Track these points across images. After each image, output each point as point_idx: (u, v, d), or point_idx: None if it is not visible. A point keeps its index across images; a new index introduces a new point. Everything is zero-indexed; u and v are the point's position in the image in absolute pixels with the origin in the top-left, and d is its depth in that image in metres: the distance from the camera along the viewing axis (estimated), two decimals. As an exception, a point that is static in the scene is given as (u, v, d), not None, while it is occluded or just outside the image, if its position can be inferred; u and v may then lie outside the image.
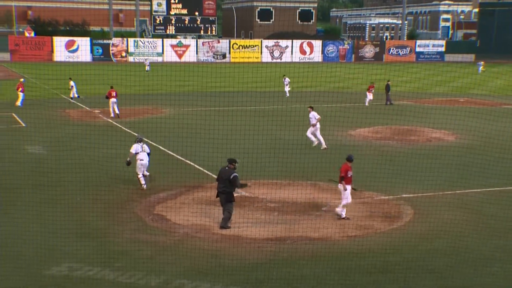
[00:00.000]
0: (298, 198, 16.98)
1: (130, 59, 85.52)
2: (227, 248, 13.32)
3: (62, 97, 41.21)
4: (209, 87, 41.45)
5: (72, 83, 39.81)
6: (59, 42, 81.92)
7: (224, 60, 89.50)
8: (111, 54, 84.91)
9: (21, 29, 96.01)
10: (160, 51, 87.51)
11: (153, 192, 17.65)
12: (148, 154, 18.48)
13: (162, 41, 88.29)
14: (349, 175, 15.14)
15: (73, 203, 16.39)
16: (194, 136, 24.20)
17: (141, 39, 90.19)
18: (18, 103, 36.12)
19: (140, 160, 18.24)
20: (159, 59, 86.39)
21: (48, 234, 13.88)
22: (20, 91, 36.27)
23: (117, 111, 32.97)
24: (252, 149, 22.34)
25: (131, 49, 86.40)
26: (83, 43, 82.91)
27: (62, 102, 38.33)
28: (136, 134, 21.94)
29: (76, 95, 39.86)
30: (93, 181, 18.68)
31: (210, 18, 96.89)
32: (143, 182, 18.20)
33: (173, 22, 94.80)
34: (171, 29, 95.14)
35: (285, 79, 44.60)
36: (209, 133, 25.56)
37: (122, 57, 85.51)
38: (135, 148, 18.39)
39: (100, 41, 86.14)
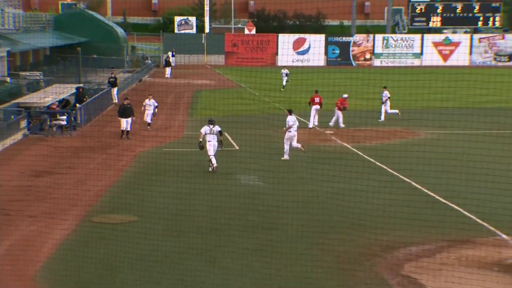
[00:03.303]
0: None
1: (376, 62, 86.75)
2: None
3: (285, 112, 43.17)
4: (483, 102, 40.12)
5: (151, 101, 37.01)
6: (285, 40, 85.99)
7: (510, 63, 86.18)
8: (350, 55, 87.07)
9: (240, 25, 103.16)
10: (418, 51, 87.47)
11: (401, 245, 17.48)
12: (220, 132, 25.89)
13: (422, 37, 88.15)
14: None
15: (291, 252, 16.93)
16: (461, 171, 23.51)
17: (393, 35, 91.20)
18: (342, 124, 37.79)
19: (208, 141, 25.68)
20: (415, 61, 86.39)
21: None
22: (337, 109, 37.75)
23: (315, 123, 36.98)
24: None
25: (378, 49, 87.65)
26: (316, 42, 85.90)
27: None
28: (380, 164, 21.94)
29: (149, 121, 36.97)
30: (320, 224, 19.12)
31: (493, 5, 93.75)
32: (214, 162, 25.65)
33: (439, 11, 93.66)
34: (435, 21, 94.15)
35: (384, 92, 40.30)
36: (482, 166, 24.61)
37: (365, 59, 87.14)
38: (204, 129, 25.87)
39: (338, 39, 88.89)
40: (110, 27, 78.46)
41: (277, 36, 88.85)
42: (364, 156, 29.54)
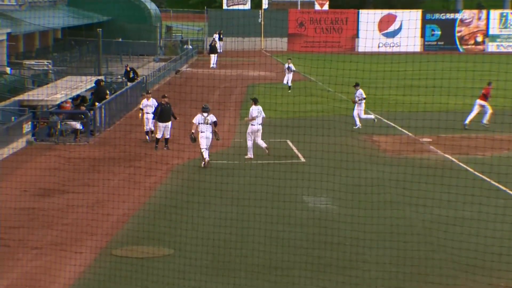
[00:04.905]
0: None
1: (490, 47, 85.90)
2: None
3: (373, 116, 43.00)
4: None
5: (151, 101, 36.21)
6: (368, 19, 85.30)
7: None
8: (456, 38, 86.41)
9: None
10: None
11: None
12: (215, 123, 29.94)
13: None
14: None
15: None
16: None
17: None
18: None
19: (201, 132, 29.55)
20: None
21: None
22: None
23: (485, 122, 38.67)
24: None
25: (493, 30, 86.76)
26: (410, 22, 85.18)
27: (368, 125, 39.97)
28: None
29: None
30: (415, 263, 18.98)
31: None
32: (205, 156, 29.63)
33: None
34: None
35: (358, 90, 40.41)
36: None
37: (475, 43, 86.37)
38: (197, 119, 29.61)
39: (439, 16, 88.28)
40: (140, 2, 79.10)
41: (358, 13, 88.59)
42: (475, 172, 29.26)
